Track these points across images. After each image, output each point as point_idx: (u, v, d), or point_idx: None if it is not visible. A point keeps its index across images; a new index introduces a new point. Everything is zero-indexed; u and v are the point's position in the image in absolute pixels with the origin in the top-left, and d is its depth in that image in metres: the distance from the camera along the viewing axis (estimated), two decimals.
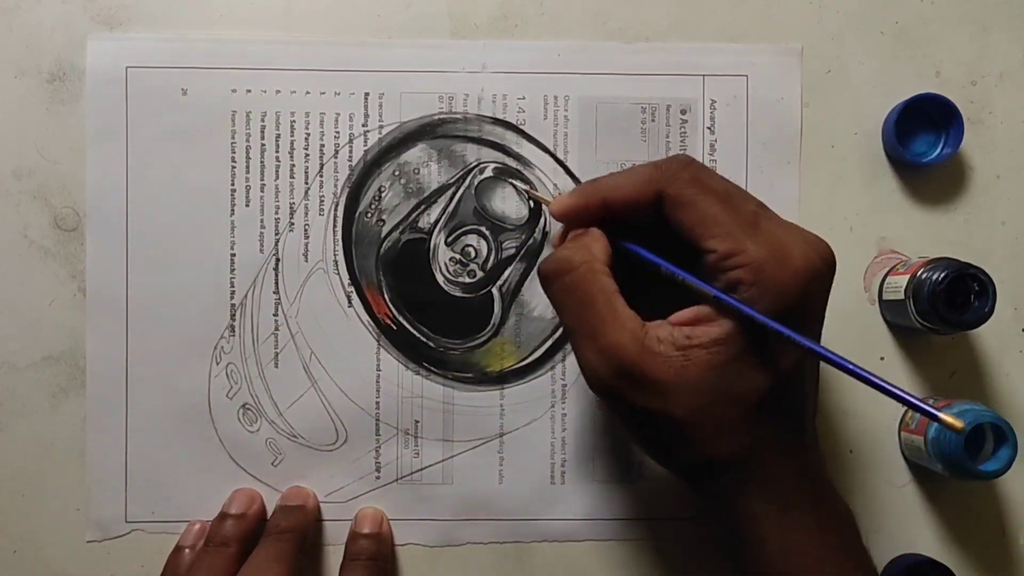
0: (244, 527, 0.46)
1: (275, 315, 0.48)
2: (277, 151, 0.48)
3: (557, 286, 0.37)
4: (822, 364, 0.36)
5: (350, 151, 0.48)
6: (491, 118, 0.48)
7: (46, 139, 0.47)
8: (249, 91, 0.48)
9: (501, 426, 0.48)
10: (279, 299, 0.48)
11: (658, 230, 0.37)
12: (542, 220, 0.48)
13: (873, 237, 0.49)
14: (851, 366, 0.34)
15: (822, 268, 0.36)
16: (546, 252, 0.48)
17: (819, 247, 0.36)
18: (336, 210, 0.48)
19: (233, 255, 0.48)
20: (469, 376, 0.48)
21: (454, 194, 0.48)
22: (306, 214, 0.48)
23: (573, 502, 0.48)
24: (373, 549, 0.46)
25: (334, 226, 0.48)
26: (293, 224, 0.48)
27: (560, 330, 0.48)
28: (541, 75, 0.48)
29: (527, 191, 0.47)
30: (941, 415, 0.33)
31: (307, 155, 0.48)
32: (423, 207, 0.48)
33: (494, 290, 0.48)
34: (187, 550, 0.46)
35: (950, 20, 0.49)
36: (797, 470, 0.37)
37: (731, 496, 0.37)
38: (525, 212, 0.48)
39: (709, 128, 0.48)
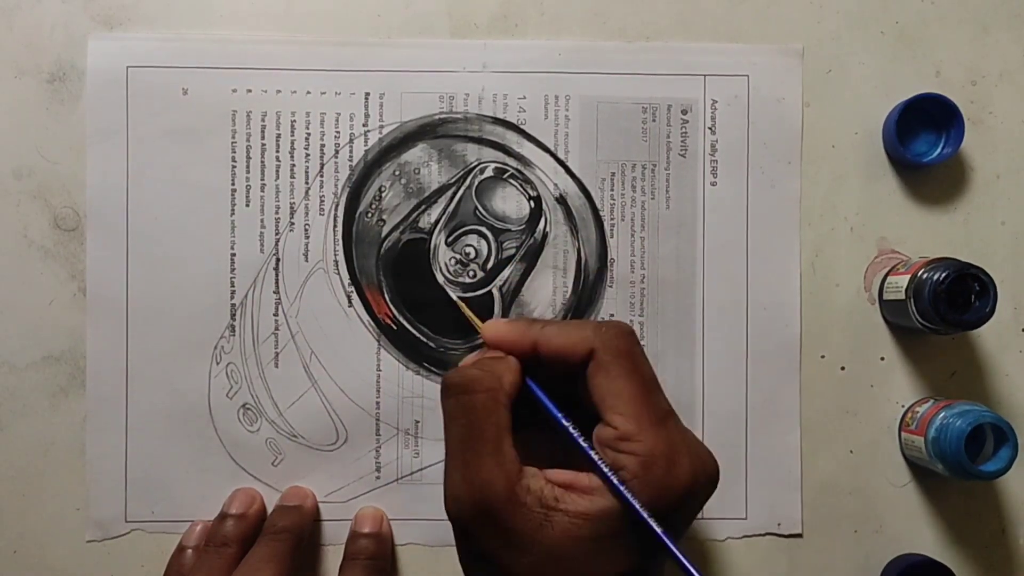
0: (244, 527, 0.46)
1: (275, 315, 0.48)
2: (277, 151, 0.48)
3: (455, 402, 0.35)
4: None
5: (350, 151, 0.48)
6: (491, 118, 0.48)
7: (46, 139, 0.47)
8: (249, 91, 0.48)
9: None
10: (279, 299, 0.48)
11: (573, 385, 0.36)
12: (542, 221, 0.48)
13: (873, 237, 0.49)
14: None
15: (705, 485, 0.35)
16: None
17: (708, 465, 0.35)
18: (336, 210, 0.48)
19: (233, 255, 0.48)
20: None
21: (454, 194, 0.48)
22: (306, 214, 0.48)
23: None
24: (372, 549, 0.46)
25: (334, 226, 0.48)
26: (293, 224, 0.48)
27: None
28: (542, 75, 0.48)
29: (460, 305, 0.47)
30: None
31: (307, 155, 0.48)
32: (423, 207, 0.48)
33: (494, 290, 0.48)
34: (189, 550, 0.46)
35: (950, 20, 0.49)
36: None
37: None
38: (526, 212, 0.48)
39: (710, 128, 0.48)
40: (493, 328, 0.38)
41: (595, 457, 0.34)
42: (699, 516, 0.48)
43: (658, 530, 0.33)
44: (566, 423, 0.36)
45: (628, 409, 0.35)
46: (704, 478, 0.35)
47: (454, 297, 0.47)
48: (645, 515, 0.33)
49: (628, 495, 0.33)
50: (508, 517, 0.33)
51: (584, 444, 0.35)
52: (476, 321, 0.43)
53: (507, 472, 0.34)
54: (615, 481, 0.34)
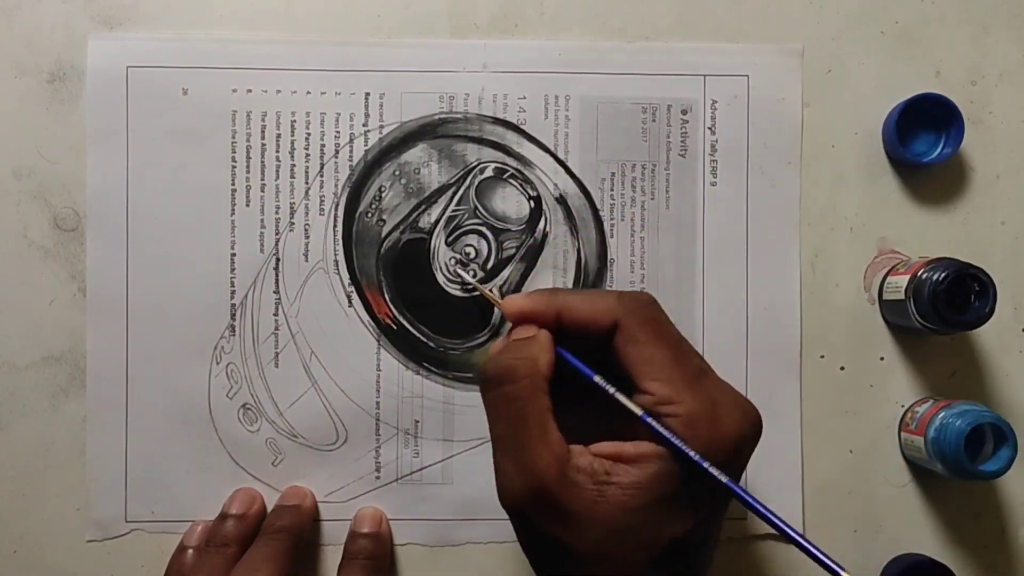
0: (244, 527, 0.46)
1: (275, 315, 0.48)
2: (277, 151, 0.48)
3: (495, 394, 0.36)
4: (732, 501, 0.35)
5: (350, 151, 0.48)
6: (492, 118, 0.48)
7: (46, 139, 0.47)
8: (249, 91, 0.48)
9: None
10: (279, 299, 0.48)
11: (601, 350, 0.36)
12: (542, 221, 0.48)
13: (873, 237, 0.49)
14: (778, 521, 0.34)
15: (749, 435, 0.35)
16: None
17: (750, 414, 0.35)
18: (336, 210, 0.48)
19: (233, 255, 0.48)
20: (469, 376, 0.48)
21: (454, 194, 0.48)
22: (306, 214, 0.48)
23: None
24: (371, 548, 0.46)
25: (334, 226, 0.48)
26: (293, 224, 0.48)
27: None
28: (542, 74, 0.48)
29: (474, 285, 0.47)
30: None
31: (307, 155, 0.48)
32: (423, 207, 0.48)
33: (494, 290, 0.48)
34: (190, 550, 0.46)
35: (950, 20, 0.49)
36: None
37: None
38: (526, 212, 0.48)
39: (710, 128, 0.48)
40: (514, 303, 0.37)
41: (642, 414, 0.34)
42: None
43: (715, 472, 0.33)
44: (608, 387, 0.36)
45: (662, 373, 0.35)
46: (749, 428, 0.35)
47: (468, 278, 0.47)
48: (702, 462, 0.33)
49: (681, 444, 0.33)
50: (564, 499, 0.34)
51: (629, 403, 0.35)
52: (496, 299, 0.42)
53: (556, 455, 0.34)
54: (667, 434, 0.34)
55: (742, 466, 0.36)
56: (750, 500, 0.34)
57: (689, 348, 0.36)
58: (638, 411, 0.34)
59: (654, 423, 0.34)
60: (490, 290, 0.48)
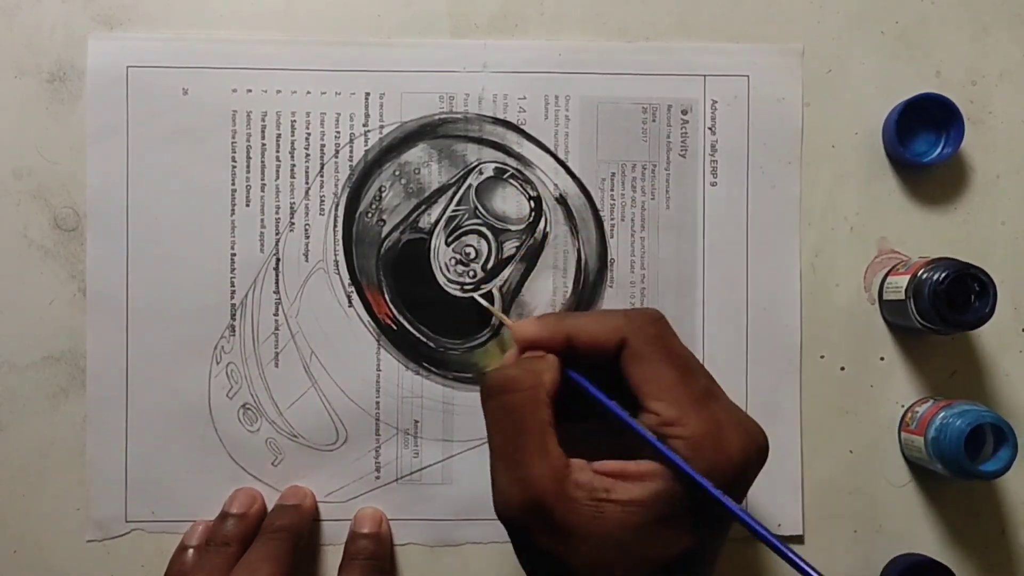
0: (245, 527, 0.46)
1: (275, 315, 0.48)
2: (277, 151, 0.48)
3: (495, 403, 0.36)
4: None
5: (351, 151, 0.48)
6: (492, 118, 0.48)
7: (46, 139, 0.47)
8: (249, 91, 0.48)
9: None
10: (279, 299, 0.48)
11: (612, 373, 0.36)
12: (542, 221, 0.48)
13: (873, 237, 0.49)
14: (776, 542, 0.33)
15: (754, 459, 0.35)
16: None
17: (757, 438, 0.35)
18: (336, 210, 0.48)
19: (233, 255, 0.48)
20: (469, 376, 0.48)
21: (454, 194, 0.48)
22: (306, 214, 0.48)
23: None
24: (372, 549, 0.46)
25: (334, 226, 0.48)
26: (293, 224, 0.48)
27: None
28: (542, 75, 0.48)
29: (488, 308, 0.47)
30: None
31: (307, 155, 0.48)
32: (423, 207, 0.48)
33: (494, 290, 0.48)
34: (191, 550, 0.46)
35: (950, 20, 0.49)
36: None
37: None
38: (526, 212, 0.48)
39: (710, 128, 0.48)
40: (524, 327, 0.38)
41: (645, 432, 0.34)
42: None
43: (718, 494, 0.33)
44: (613, 405, 0.35)
45: (667, 394, 0.35)
46: (754, 451, 0.35)
47: (481, 301, 0.47)
48: (707, 484, 0.33)
49: (683, 464, 0.33)
50: (560, 513, 0.33)
51: (633, 422, 0.35)
52: (508, 321, 0.43)
53: (554, 468, 0.34)
54: (671, 455, 0.33)
55: (745, 489, 0.35)
56: (753, 524, 0.33)
57: (697, 367, 0.36)
58: (643, 431, 0.34)
59: (659, 444, 0.34)
60: (490, 290, 0.48)
